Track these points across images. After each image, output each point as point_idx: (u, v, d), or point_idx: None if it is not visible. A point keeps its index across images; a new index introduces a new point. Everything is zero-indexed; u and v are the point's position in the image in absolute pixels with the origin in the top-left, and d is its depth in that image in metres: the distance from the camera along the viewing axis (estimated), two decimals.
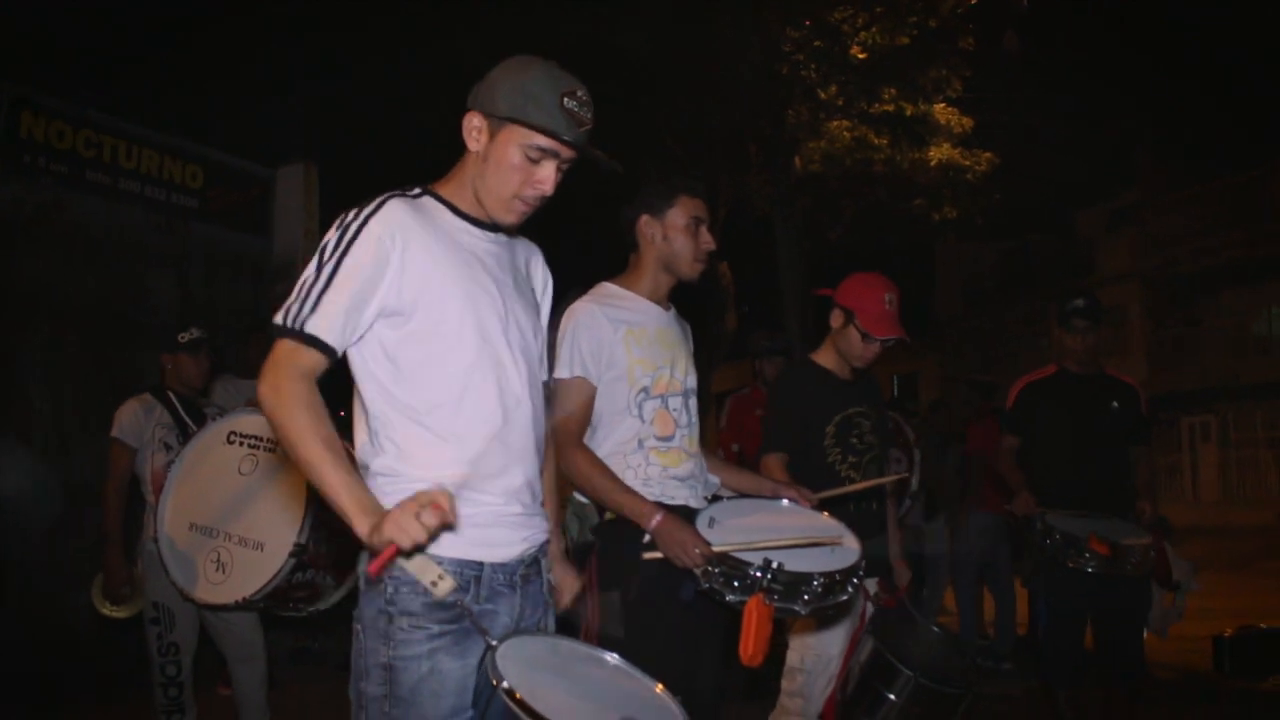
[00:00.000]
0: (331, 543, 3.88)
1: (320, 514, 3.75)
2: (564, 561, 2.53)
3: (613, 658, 2.23)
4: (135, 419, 4.50)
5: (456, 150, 2.22)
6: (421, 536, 1.81)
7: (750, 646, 2.66)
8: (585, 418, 2.94)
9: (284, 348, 1.98)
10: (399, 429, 2.07)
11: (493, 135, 2.13)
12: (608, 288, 3.09)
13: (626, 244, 3.15)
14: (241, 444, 4.12)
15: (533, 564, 2.21)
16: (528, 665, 2.02)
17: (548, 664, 2.10)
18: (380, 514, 1.89)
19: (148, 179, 7.84)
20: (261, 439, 4.05)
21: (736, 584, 2.75)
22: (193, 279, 8.05)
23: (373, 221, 2.02)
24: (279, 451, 3.92)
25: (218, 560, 3.96)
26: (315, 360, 1.98)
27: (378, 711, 2.01)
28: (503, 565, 2.12)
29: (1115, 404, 4.69)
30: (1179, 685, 6.75)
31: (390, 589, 2.02)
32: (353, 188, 2.15)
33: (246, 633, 4.45)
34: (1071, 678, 4.62)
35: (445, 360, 2.07)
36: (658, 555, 2.80)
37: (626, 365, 2.96)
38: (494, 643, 2.02)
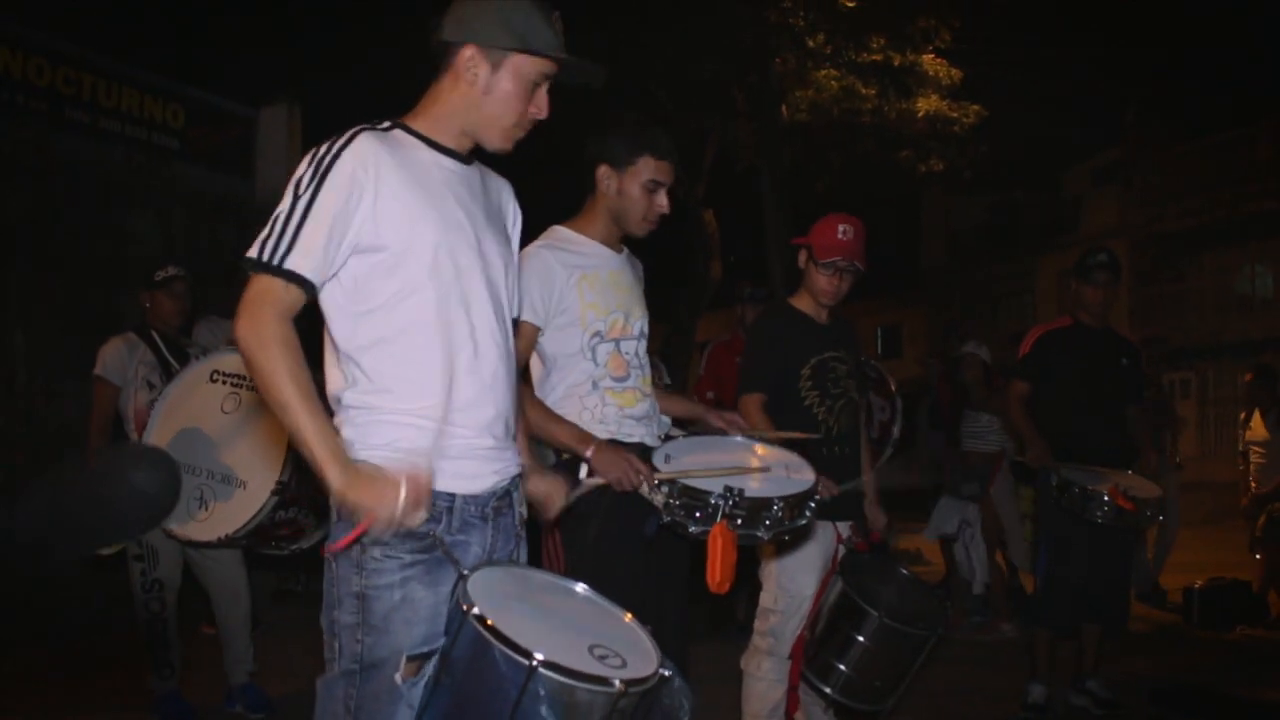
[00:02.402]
0: (313, 482, 3.91)
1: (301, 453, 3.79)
2: (546, 473, 2.57)
3: (582, 588, 2.28)
4: (118, 357, 4.54)
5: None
6: (399, 519, 1.89)
7: (717, 573, 2.73)
8: (524, 360, 2.97)
9: (261, 285, 1.98)
10: (370, 362, 2.09)
11: (495, 66, 2.14)
12: (560, 232, 3.11)
13: (584, 184, 3.16)
14: (224, 383, 4.15)
15: (504, 497, 2.25)
16: (499, 594, 2.06)
17: (518, 594, 2.14)
18: (351, 468, 1.94)
19: (128, 117, 7.75)
20: (244, 378, 4.07)
21: (698, 514, 2.81)
22: (174, 219, 8.00)
23: (345, 154, 2.02)
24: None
25: (200, 498, 4.00)
26: (294, 297, 1.99)
27: (350, 639, 2.05)
28: (474, 497, 2.15)
29: (1124, 360, 4.83)
30: (1149, 635, 6.91)
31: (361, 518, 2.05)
32: (336, 129, 2.14)
33: (230, 571, 4.51)
34: (1068, 626, 4.78)
35: (416, 292, 2.08)
36: (597, 482, 2.84)
37: (579, 310, 2.99)
38: (465, 572, 2.06)
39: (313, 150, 2.06)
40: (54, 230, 7.15)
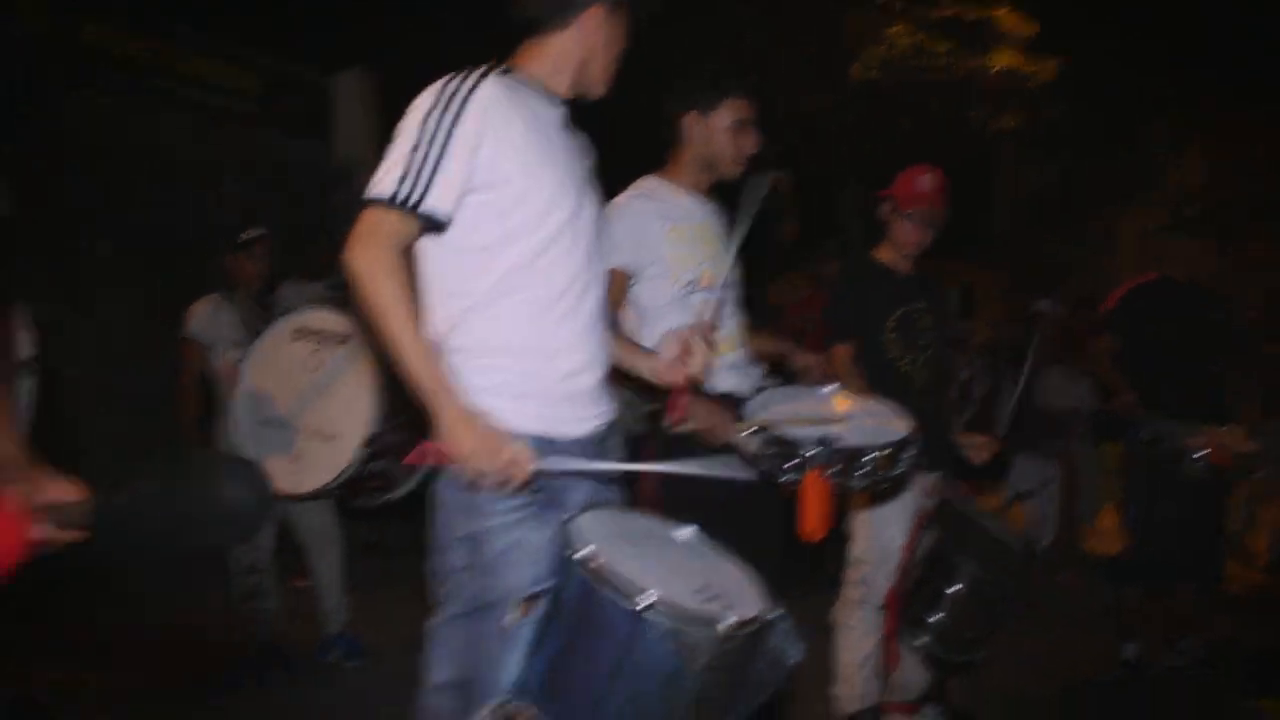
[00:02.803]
0: (402, 433, 3.96)
1: (391, 404, 3.83)
2: (699, 400, 2.59)
3: (687, 532, 2.28)
4: (205, 318, 4.67)
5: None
6: (484, 477, 1.94)
7: (810, 521, 2.71)
8: (615, 309, 2.97)
9: (378, 216, 1.99)
10: (476, 302, 2.10)
11: (610, 16, 2.23)
12: (649, 183, 3.11)
13: (664, 138, 3.15)
14: (308, 340, 4.21)
15: (604, 440, 2.26)
16: (604, 537, 2.07)
17: (623, 536, 2.15)
18: (458, 406, 1.95)
19: (207, 86, 7.87)
20: (328, 334, 4.13)
21: (791, 463, 2.79)
22: (253, 184, 8.11)
23: (477, 93, 2.04)
24: (347, 345, 4.02)
25: (291, 452, 4.07)
26: (412, 231, 2.02)
27: (461, 583, 2.08)
28: (577, 440, 2.16)
29: (1214, 314, 4.74)
30: (1243, 596, 6.75)
31: None
32: (409, 94, 2.15)
33: (322, 521, 4.63)
34: (1159, 584, 4.70)
35: (527, 233, 2.09)
36: (689, 429, 2.83)
37: (670, 261, 3.00)
38: (571, 515, 2.08)
39: (439, 88, 2.06)
40: (134, 200, 7.28)
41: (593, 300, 2.23)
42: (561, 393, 2.15)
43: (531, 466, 2.00)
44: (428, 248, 2.13)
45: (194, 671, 4.70)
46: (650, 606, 1.87)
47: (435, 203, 1.98)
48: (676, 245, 2.99)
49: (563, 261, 2.14)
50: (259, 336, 4.37)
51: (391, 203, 1.97)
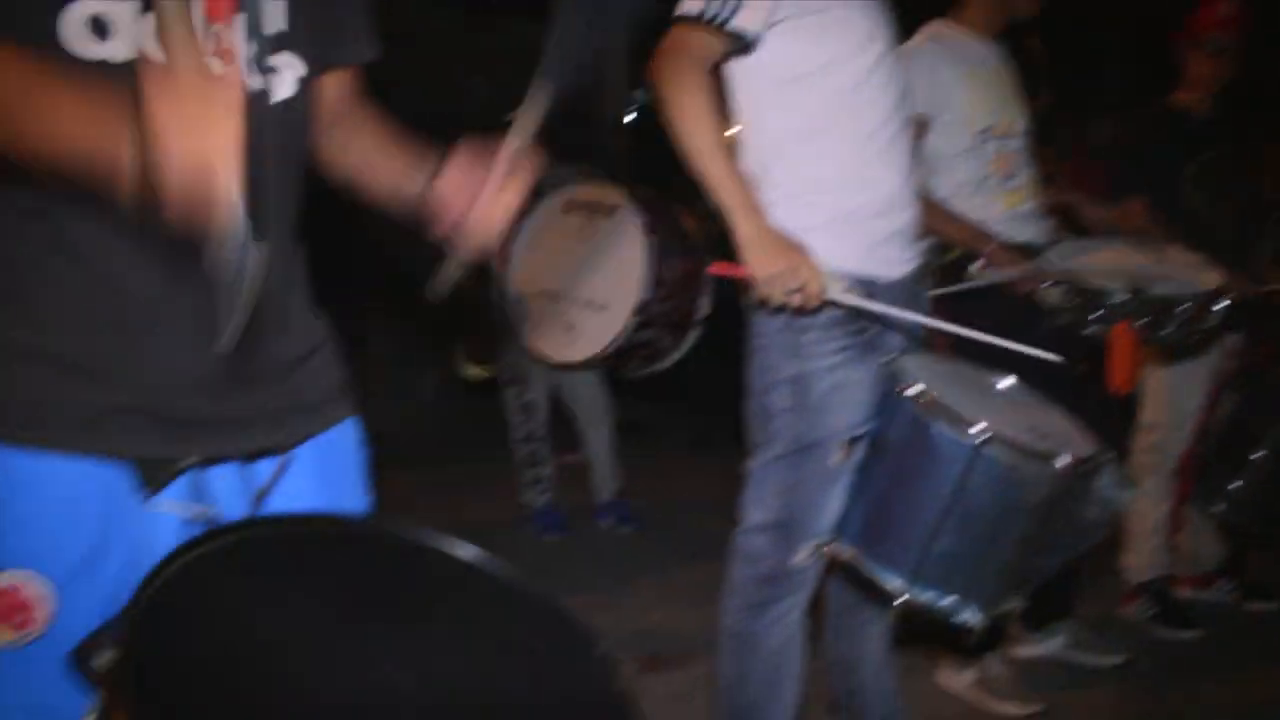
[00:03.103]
0: (669, 302, 4.02)
1: (659, 273, 3.89)
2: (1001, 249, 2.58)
3: (1008, 379, 2.22)
4: None
5: None
6: (783, 293, 1.90)
7: (1119, 373, 2.60)
8: None
9: (686, 34, 1.97)
10: (795, 138, 2.08)
11: None
12: (941, 27, 2.97)
13: None
14: (578, 212, 4.31)
15: (915, 285, 2.22)
16: (929, 376, 2.04)
17: (946, 378, 2.11)
18: (761, 222, 1.95)
19: None
20: (598, 205, 4.21)
21: (1097, 314, 2.67)
22: (505, 73, 8.23)
23: None
24: (614, 217, 4.09)
25: (565, 323, 4.21)
26: (718, 49, 1.99)
27: (785, 423, 2.09)
28: (894, 283, 2.13)
29: None
30: None
31: None
32: None
33: (595, 392, 4.80)
34: None
35: (845, 63, 2.04)
36: (990, 279, 2.75)
37: (965, 107, 2.87)
38: (892, 356, 2.06)
39: None
40: (391, 94, 7.54)
41: (903, 142, 2.17)
42: (878, 232, 2.10)
43: (828, 294, 1.96)
44: (744, 81, 2.10)
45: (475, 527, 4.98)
46: (989, 439, 1.83)
47: (743, 22, 1.94)
48: (971, 91, 2.86)
49: (878, 97, 2.08)
50: (530, 212, 4.50)
51: (699, 20, 1.95)
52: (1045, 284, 2.72)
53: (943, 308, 2.90)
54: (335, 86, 1.46)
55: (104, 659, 0.90)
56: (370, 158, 1.49)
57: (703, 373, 7.20)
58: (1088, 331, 2.69)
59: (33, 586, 1.18)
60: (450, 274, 1.37)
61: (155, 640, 0.93)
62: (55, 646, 1.11)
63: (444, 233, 1.36)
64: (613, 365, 4.33)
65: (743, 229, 1.96)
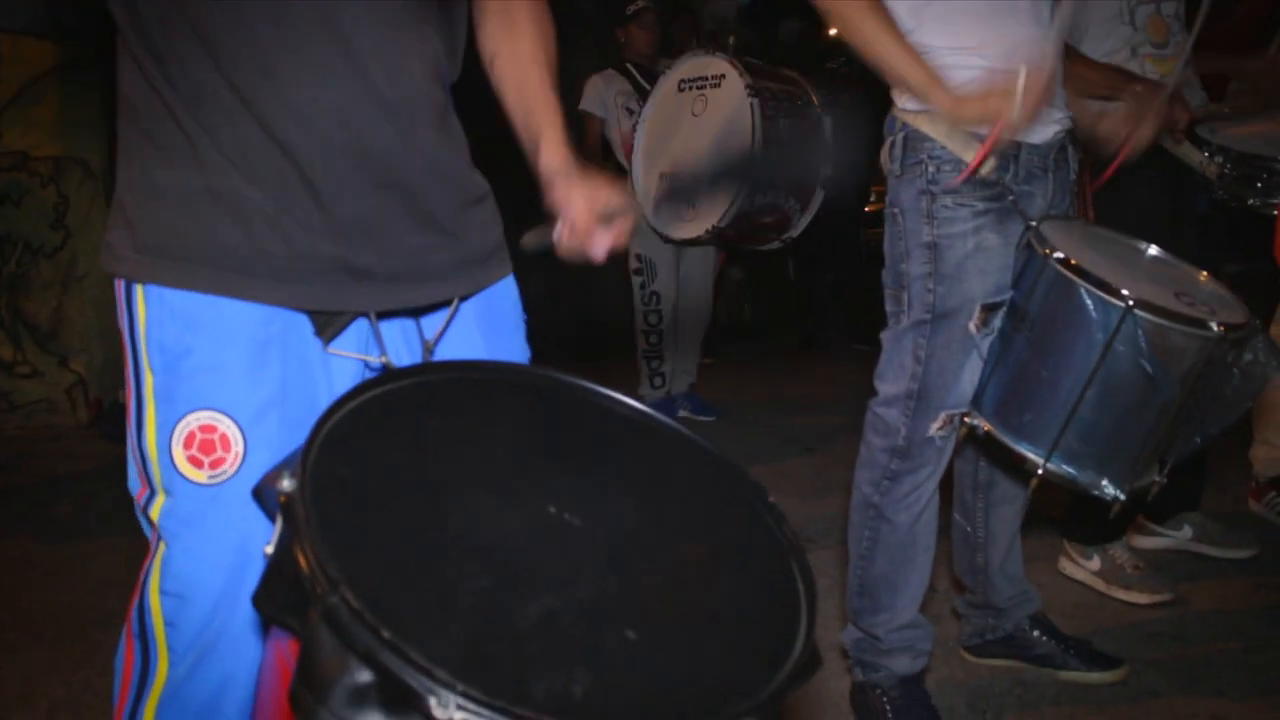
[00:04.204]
0: (787, 164, 4.00)
1: (767, 134, 3.87)
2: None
3: (1153, 248, 2.13)
4: (597, 91, 4.92)
5: None
6: (1024, 119, 1.84)
7: None
8: None
9: None
10: (928, 11, 2.01)
11: None
12: None
13: None
14: (689, 89, 4.28)
15: (1061, 150, 2.13)
16: (1073, 241, 1.97)
17: (1089, 244, 2.03)
18: (949, 90, 1.91)
19: None
20: (705, 78, 4.17)
21: (1259, 184, 2.54)
22: None
23: None
24: (721, 86, 4.05)
25: (688, 201, 4.25)
26: None
27: (921, 290, 2.04)
28: (1037, 147, 2.04)
29: None
30: None
31: (931, 169, 2.00)
32: None
33: (703, 287, 4.89)
34: None
35: None
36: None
37: None
38: (1033, 223, 1.99)
39: None
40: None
41: (1048, 4, 2.07)
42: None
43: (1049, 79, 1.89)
44: None
45: None
46: (1136, 303, 1.77)
47: None
48: None
49: None
50: (648, 98, 4.49)
51: None
52: (1203, 156, 2.60)
53: (1092, 181, 2.80)
54: None
55: (283, 487, 0.91)
56: (505, 84, 1.51)
57: (809, 279, 7.19)
58: (1251, 202, 2.57)
59: (225, 427, 1.23)
60: (539, 242, 1.42)
61: (333, 473, 0.95)
62: (246, 487, 1.15)
63: (551, 205, 1.40)
64: (740, 239, 4.35)
65: (942, 100, 1.92)
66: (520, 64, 1.49)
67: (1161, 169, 2.63)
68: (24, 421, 5.29)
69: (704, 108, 4.18)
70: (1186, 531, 3.18)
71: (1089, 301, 1.82)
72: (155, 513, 1.25)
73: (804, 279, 7.20)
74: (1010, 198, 1.99)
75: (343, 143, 1.24)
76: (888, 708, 2.20)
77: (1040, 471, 1.94)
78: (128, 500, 1.33)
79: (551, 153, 1.42)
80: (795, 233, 4.14)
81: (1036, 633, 2.48)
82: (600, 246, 1.37)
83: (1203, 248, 2.74)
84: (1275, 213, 2.50)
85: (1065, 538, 3.05)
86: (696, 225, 4.10)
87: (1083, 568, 2.98)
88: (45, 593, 3.15)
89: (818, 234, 6.65)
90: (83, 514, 3.84)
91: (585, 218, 1.36)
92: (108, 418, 5.16)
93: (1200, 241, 2.73)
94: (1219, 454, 3.43)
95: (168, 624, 1.24)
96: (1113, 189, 2.63)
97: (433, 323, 1.40)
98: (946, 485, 2.35)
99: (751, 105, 3.88)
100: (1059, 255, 1.86)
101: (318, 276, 1.26)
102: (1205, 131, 2.67)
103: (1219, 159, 2.56)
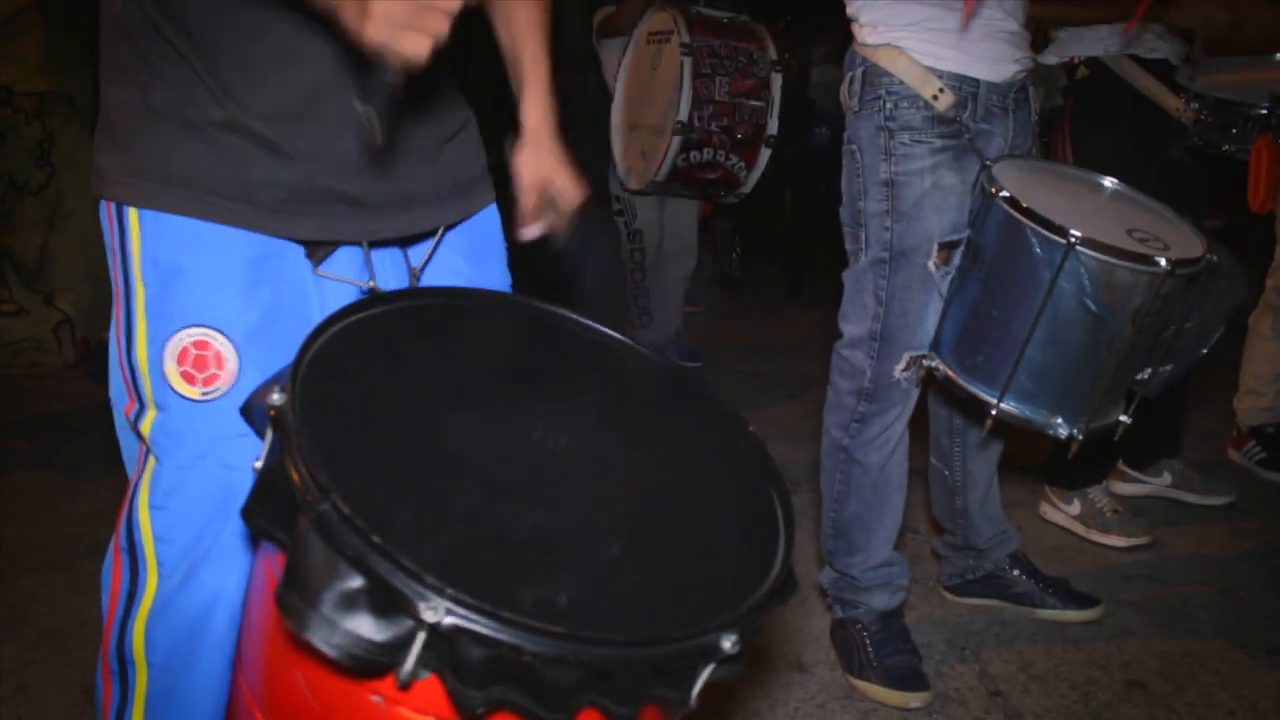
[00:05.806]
0: (723, 121, 4.01)
1: (698, 93, 3.94)
2: None
3: (1110, 181, 2.13)
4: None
5: None
6: None
7: (1261, 190, 2.49)
8: None
9: None
10: None
11: None
12: None
13: None
14: (652, 42, 4.29)
15: (1022, 90, 2.13)
16: (1025, 182, 1.97)
17: (1045, 183, 2.04)
18: None
19: None
20: (664, 32, 4.15)
21: (1234, 130, 2.54)
22: None
23: None
24: (672, 41, 4.08)
25: (641, 150, 4.27)
26: None
27: (878, 228, 2.04)
28: (997, 85, 2.04)
29: None
30: None
31: (890, 105, 2.00)
32: None
33: (686, 226, 4.86)
34: None
35: None
36: None
37: None
38: (989, 161, 2.00)
39: None
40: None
41: None
42: (984, 30, 2.00)
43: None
44: None
45: None
46: (1080, 242, 1.77)
47: None
48: None
49: None
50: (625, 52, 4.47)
51: None
52: (1180, 101, 2.60)
53: (1071, 125, 2.81)
54: None
55: (274, 401, 0.92)
56: (496, 21, 1.52)
57: (796, 230, 7.19)
58: (1226, 148, 2.57)
59: (219, 344, 1.24)
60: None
61: (322, 389, 0.96)
62: (238, 404, 1.16)
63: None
64: (688, 190, 4.37)
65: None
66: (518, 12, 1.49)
67: (1140, 118, 2.64)
68: (10, 360, 5.26)
69: (660, 62, 4.21)
70: (1165, 478, 3.22)
71: (1034, 240, 1.82)
72: (146, 427, 1.26)
73: (793, 231, 7.19)
74: (967, 135, 1.99)
75: (337, 76, 1.25)
76: (867, 642, 2.24)
77: (994, 412, 1.95)
78: (114, 439, 1.34)
79: (529, 111, 1.45)
80: (746, 189, 4.19)
81: (1016, 572, 2.52)
82: (529, 230, 1.42)
83: (1183, 199, 2.77)
84: (1249, 159, 2.49)
85: (1046, 482, 3.08)
86: (642, 176, 4.17)
87: (1062, 511, 3.02)
88: (32, 525, 3.15)
89: (814, 186, 6.64)
90: (70, 451, 3.85)
91: (529, 195, 1.41)
92: (94, 357, 5.15)
93: (1180, 194, 2.74)
94: (1201, 404, 3.48)
95: (158, 538, 1.26)
96: (1095, 125, 2.64)
97: (419, 251, 1.43)
98: (924, 428, 2.38)
99: (683, 64, 3.94)
100: (1005, 194, 1.87)
101: (317, 208, 1.27)
102: (1183, 78, 2.67)
103: (1195, 104, 2.57)
